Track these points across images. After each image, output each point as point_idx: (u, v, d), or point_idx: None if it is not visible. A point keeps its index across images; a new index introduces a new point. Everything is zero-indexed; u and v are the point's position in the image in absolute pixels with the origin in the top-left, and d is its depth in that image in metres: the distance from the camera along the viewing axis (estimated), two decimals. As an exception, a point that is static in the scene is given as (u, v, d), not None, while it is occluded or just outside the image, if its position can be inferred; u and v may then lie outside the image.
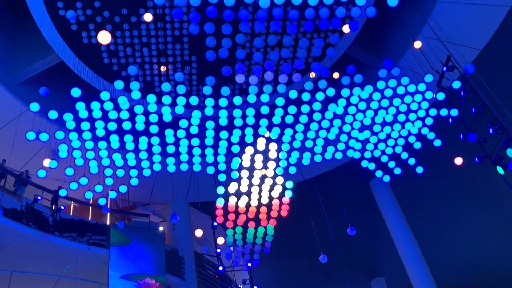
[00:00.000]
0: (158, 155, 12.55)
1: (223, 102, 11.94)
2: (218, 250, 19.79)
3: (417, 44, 12.43)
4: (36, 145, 12.94)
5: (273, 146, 13.08)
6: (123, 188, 12.75)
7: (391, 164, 13.57)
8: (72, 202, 19.22)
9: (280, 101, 12.24)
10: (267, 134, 12.93)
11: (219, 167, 13.14)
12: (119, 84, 11.42)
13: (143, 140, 12.24)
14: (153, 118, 11.91)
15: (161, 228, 19.46)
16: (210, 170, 13.13)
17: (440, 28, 13.57)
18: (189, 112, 12.23)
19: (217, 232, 21.05)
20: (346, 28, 11.85)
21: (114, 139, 12.01)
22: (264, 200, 14.05)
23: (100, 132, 11.79)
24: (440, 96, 12.21)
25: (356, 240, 24.72)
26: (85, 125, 11.65)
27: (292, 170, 13.71)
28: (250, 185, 13.56)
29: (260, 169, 13.20)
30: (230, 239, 14.41)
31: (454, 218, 24.02)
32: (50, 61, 16.61)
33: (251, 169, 13.32)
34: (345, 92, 12.33)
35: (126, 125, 11.90)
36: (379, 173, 13.82)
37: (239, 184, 13.43)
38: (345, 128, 12.91)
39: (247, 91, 11.84)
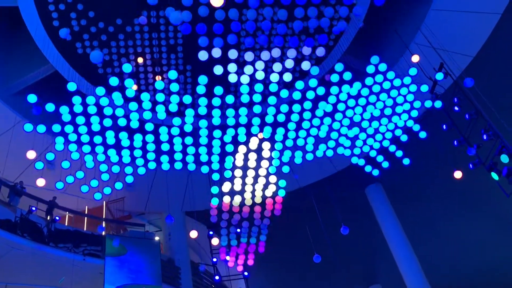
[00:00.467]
0: (152, 152, 12.58)
1: (216, 101, 12.04)
2: (214, 260, 19.74)
3: (415, 58, 12.56)
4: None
5: (266, 145, 13.20)
6: (118, 185, 12.76)
7: (380, 158, 13.84)
8: (67, 212, 19.12)
9: (272, 100, 12.35)
10: (260, 135, 13.01)
11: (213, 167, 13.19)
12: (113, 81, 11.52)
13: (137, 138, 12.31)
14: (147, 115, 11.98)
15: (156, 238, 19.36)
16: (205, 169, 13.20)
17: (433, 35, 13.68)
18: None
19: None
20: None
21: (110, 135, 12.10)
22: (258, 200, 14.18)
23: (95, 127, 11.87)
24: (438, 104, 12.37)
25: (352, 248, 24.79)
26: (80, 119, 11.73)
27: (286, 169, 13.77)
28: (244, 184, 13.68)
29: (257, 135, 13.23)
30: (225, 239, 14.56)
31: (450, 224, 24.06)
32: (44, 71, 16.58)
33: (245, 168, 13.44)
34: (334, 89, 12.47)
35: (121, 122, 12.03)
36: (368, 168, 14.00)
37: (233, 184, 13.54)
38: (335, 126, 13.06)
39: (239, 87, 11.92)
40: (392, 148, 13.65)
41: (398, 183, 21.59)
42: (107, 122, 11.92)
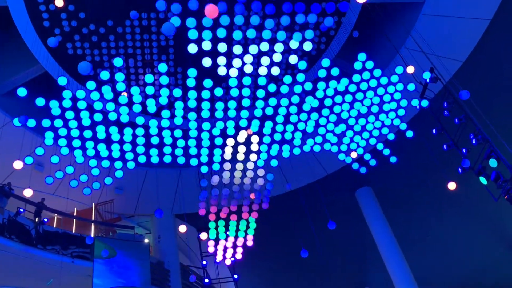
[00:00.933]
0: (142, 146, 12.56)
1: (205, 94, 12.06)
2: (204, 262, 19.70)
3: (410, 69, 12.67)
4: (20, 155, 12.77)
5: (254, 139, 13.28)
6: (108, 180, 12.70)
7: (367, 156, 13.92)
8: (56, 214, 18.96)
9: (260, 93, 12.41)
10: (249, 131, 13.06)
11: (201, 159, 13.23)
12: (104, 75, 11.50)
13: (127, 132, 12.28)
14: (136, 108, 11.97)
15: (146, 240, 19.28)
16: (194, 162, 13.23)
17: (423, 40, 13.79)
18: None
19: (203, 243, 20.98)
20: None
21: (101, 129, 12.05)
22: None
23: (86, 122, 11.84)
24: (424, 103, 12.49)
25: (342, 250, 24.88)
26: (69, 114, 11.64)
27: (274, 163, 13.85)
28: (232, 177, 13.75)
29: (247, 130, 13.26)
30: (213, 232, 14.62)
31: (439, 227, 24.25)
32: (34, 72, 16.46)
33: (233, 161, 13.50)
34: (321, 85, 12.56)
35: (112, 116, 12.00)
36: (355, 165, 14.11)
37: (221, 177, 13.59)
38: (322, 121, 13.14)
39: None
40: (380, 146, 13.76)
41: (388, 186, 21.73)
42: (98, 117, 11.93)
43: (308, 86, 12.45)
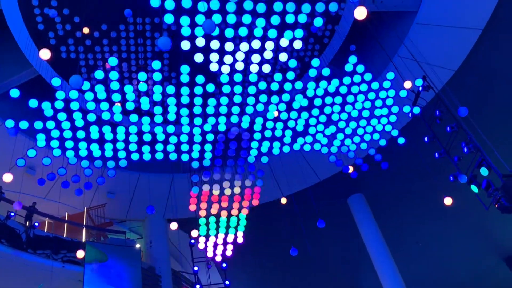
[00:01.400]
0: (134, 144, 12.60)
1: (198, 90, 12.17)
2: (196, 268, 19.61)
3: (407, 85, 12.79)
4: (12, 159, 12.71)
5: (244, 135, 13.42)
6: (111, 173, 12.81)
7: (358, 161, 14.12)
8: (47, 218, 18.84)
9: (252, 89, 12.49)
10: (276, 113, 13.16)
11: (193, 155, 13.26)
12: (99, 74, 11.53)
13: (120, 130, 12.32)
14: (130, 105, 12.01)
15: (137, 245, 19.18)
16: (185, 157, 13.30)
17: (416, 48, 13.91)
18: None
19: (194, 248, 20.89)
20: None
21: (94, 130, 12.10)
22: (236, 190, 14.48)
23: (79, 123, 11.87)
24: (416, 110, 12.59)
25: (334, 257, 24.89)
26: (62, 116, 11.65)
27: (264, 159, 13.91)
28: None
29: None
30: (204, 228, 14.70)
31: (431, 235, 24.31)
32: (28, 75, 16.39)
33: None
34: (311, 85, 12.65)
35: (105, 115, 12.10)
36: (347, 169, 14.21)
37: (212, 174, 13.71)
38: (312, 121, 13.22)
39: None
40: (372, 151, 13.85)
41: (380, 193, 21.79)
42: (91, 117, 11.95)
43: (299, 85, 12.59)
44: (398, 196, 22.15)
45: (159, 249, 20.45)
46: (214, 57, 11.26)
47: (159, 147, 12.95)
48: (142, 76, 11.88)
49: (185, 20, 10.39)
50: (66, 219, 19.74)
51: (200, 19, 10.19)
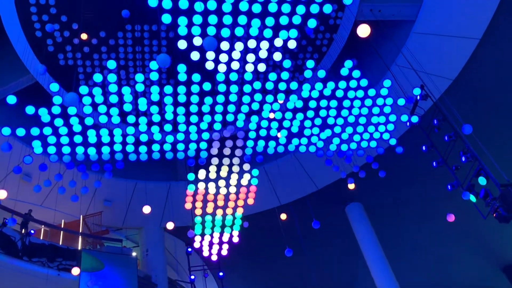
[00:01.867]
0: (131, 145, 12.66)
1: (195, 88, 12.26)
2: (192, 277, 19.52)
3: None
4: (9, 166, 12.67)
5: (239, 134, 13.44)
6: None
7: (355, 168, 14.28)
8: (43, 226, 18.72)
9: (247, 88, 12.55)
10: (271, 115, 13.18)
11: (189, 154, 13.31)
12: (97, 77, 11.60)
13: (117, 133, 12.46)
14: (127, 107, 12.06)
15: (134, 254, 19.07)
16: (180, 155, 13.32)
17: (414, 57, 13.94)
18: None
19: (191, 257, 20.82)
20: None
21: (92, 134, 12.14)
22: (232, 189, 14.59)
23: (76, 128, 11.95)
24: (414, 119, 12.61)
25: (332, 265, 24.78)
26: (59, 122, 11.69)
27: (259, 158, 13.94)
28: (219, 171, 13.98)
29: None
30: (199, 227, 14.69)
31: (429, 244, 24.26)
32: (25, 82, 16.36)
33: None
34: (306, 86, 12.71)
35: (103, 119, 12.12)
36: (343, 175, 14.35)
37: (208, 171, 13.67)
38: (307, 123, 13.26)
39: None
40: (369, 159, 13.88)
41: (378, 202, 21.74)
42: (89, 121, 11.98)
43: (294, 85, 12.66)
44: (396, 205, 22.11)
45: (156, 257, 20.34)
46: (210, 55, 11.39)
47: (155, 147, 13.00)
48: (139, 77, 11.96)
49: (182, 20, 10.50)
50: (62, 226, 19.62)
51: (197, 19, 10.31)
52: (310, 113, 13.16)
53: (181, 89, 12.17)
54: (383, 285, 20.12)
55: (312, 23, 11.81)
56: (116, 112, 12.09)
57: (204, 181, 14.22)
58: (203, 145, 13.37)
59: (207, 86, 12.21)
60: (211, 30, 10.65)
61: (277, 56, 12.20)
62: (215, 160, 13.77)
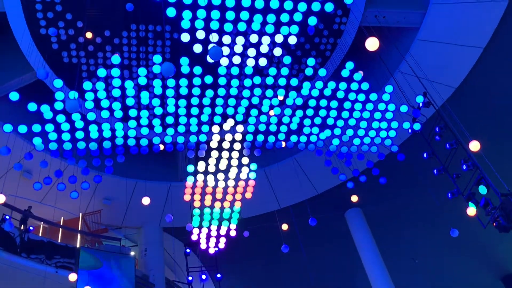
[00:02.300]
0: (133, 139, 12.75)
1: (196, 81, 12.39)
2: (190, 278, 19.49)
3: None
4: (9, 163, 12.68)
5: (239, 128, 13.45)
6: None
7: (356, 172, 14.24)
8: (42, 222, 18.72)
9: (247, 82, 12.65)
10: (271, 113, 13.33)
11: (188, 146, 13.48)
12: (101, 72, 11.66)
13: (119, 127, 12.58)
14: (130, 101, 12.11)
15: (132, 253, 19.06)
16: (180, 144, 13.45)
17: (417, 64, 13.94)
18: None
19: (189, 258, 20.78)
20: None
21: (93, 129, 12.36)
22: (231, 183, 14.69)
23: (79, 124, 12.06)
24: (417, 126, 12.62)
25: (330, 271, 24.71)
26: (61, 118, 11.78)
27: (257, 152, 14.00)
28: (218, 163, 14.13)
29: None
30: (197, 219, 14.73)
31: (428, 253, 24.20)
32: (28, 78, 16.38)
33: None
34: (306, 84, 12.75)
35: (104, 114, 12.34)
36: (342, 177, 14.37)
37: (207, 164, 13.78)
38: (306, 122, 13.26)
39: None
40: (370, 164, 13.88)
41: (377, 208, 21.71)
42: (91, 116, 12.04)
43: (294, 82, 12.68)
44: (396, 211, 22.07)
45: (154, 257, 20.32)
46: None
47: (156, 140, 13.13)
48: (142, 71, 12.02)
49: (186, 14, 10.61)
50: (62, 224, 19.62)
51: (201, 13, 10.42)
52: (310, 112, 13.19)
53: (183, 81, 12.30)
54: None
55: (312, 20, 11.83)
56: (118, 106, 12.15)
57: (203, 173, 14.25)
58: (203, 137, 13.46)
59: (208, 79, 12.29)
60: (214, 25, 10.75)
61: (277, 52, 12.25)
62: (214, 153, 13.85)
